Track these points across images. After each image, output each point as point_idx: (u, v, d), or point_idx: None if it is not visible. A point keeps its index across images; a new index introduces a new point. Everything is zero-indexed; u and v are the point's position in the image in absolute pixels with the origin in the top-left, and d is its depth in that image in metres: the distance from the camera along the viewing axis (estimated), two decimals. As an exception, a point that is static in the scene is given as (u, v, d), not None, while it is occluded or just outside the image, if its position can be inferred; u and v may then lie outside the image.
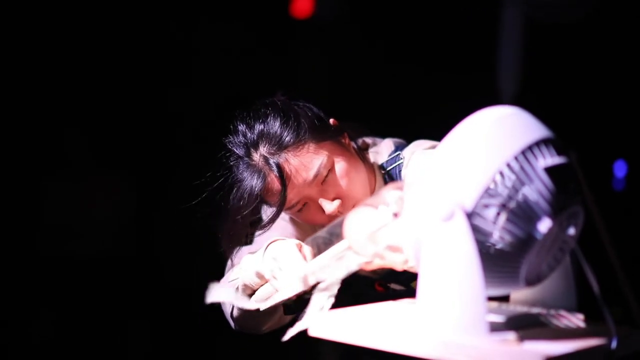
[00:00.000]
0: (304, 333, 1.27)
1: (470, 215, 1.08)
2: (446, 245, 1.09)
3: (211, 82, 2.93)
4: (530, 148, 1.09)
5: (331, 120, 1.76)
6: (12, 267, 2.65)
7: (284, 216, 1.77)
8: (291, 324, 1.31)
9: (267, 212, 1.80)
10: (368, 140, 1.88)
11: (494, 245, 1.08)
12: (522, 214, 1.07)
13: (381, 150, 1.84)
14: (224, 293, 1.44)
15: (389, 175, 1.78)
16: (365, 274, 1.64)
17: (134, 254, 2.94)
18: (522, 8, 3.11)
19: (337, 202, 1.66)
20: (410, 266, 1.25)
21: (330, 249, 1.35)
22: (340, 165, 1.67)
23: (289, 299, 1.44)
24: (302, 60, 3.13)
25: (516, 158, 1.08)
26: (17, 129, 2.64)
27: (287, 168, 1.63)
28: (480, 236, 1.08)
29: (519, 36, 3.11)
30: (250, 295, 1.64)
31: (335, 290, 1.31)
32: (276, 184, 1.64)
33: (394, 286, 1.75)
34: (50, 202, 2.79)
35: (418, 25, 3.10)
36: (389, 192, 1.24)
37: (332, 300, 1.31)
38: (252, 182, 1.64)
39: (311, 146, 1.65)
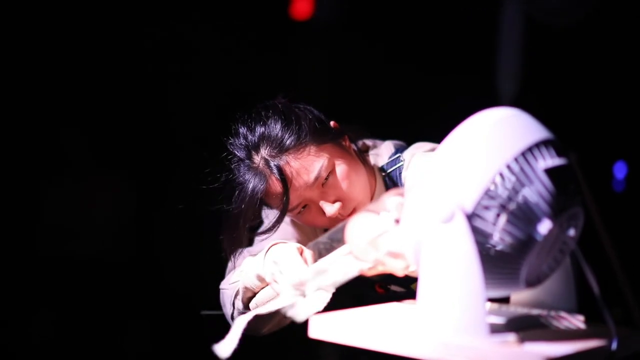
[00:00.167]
0: (304, 334, 1.27)
1: (470, 217, 1.08)
2: (446, 246, 1.09)
3: (211, 82, 2.92)
4: (530, 149, 1.09)
5: (332, 123, 1.76)
6: (12, 267, 2.64)
7: (285, 218, 1.77)
8: (291, 326, 1.31)
9: (267, 214, 1.80)
10: (368, 142, 1.89)
11: (494, 246, 1.08)
12: (522, 216, 1.07)
13: (381, 152, 1.84)
14: (227, 345, 1.40)
15: (389, 177, 1.78)
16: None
17: (134, 254, 2.93)
18: (522, 8, 3.10)
19: (337, 205, 1.66)
20: (411, 272, 1.26)
21: (331, 254, 1.35)
22: (340, 167, 1.67)
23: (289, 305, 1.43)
24: (302, 62, 3.13)
25: (516, 159, 1.08)
26: (17, 128, 2.64)
27: (288, 171, 1.63)
28: (480, 238, 1.08)
29: (519, 37, 3.11)
30: (251, 298, 1.64)
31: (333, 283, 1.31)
32: (277, 187, 1.64)
33: (394, 288, 1.75)
34: (50, 202, 2.78)
35: (418, 26, 3.09)
36: (390, 198, 1.25)
37: (333, 289, 1.31)
38: (253, 184, 1.64)
39: (312, 149, 1.66)
